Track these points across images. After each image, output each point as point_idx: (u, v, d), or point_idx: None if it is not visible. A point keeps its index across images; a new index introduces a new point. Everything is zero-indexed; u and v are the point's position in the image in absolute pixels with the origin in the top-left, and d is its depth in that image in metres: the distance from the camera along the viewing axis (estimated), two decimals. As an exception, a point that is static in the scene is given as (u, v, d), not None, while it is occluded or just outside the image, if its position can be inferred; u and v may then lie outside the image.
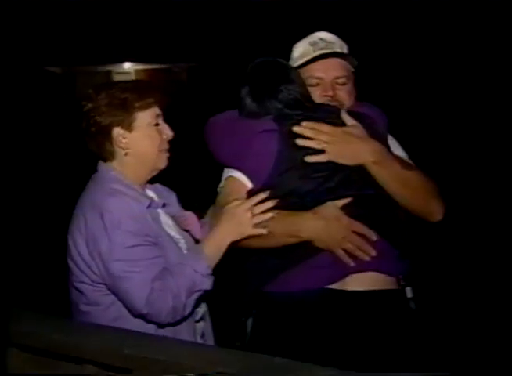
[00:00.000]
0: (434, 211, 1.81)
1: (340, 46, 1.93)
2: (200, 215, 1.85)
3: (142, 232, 1.58)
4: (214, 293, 1.71)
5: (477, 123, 10.10)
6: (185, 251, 1.72)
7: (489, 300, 4.10)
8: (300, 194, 1.71)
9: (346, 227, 1.67)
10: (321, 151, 1.71)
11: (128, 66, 21.25)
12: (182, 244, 1.73)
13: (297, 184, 1.71)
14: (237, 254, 1.74)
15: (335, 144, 1.70)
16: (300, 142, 1.71)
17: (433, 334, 2.19)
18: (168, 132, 1.71)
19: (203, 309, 1.74)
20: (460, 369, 3.05)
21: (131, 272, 1.54)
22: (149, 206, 1.65)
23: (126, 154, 1.66)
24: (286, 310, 1.71)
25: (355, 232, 1.68)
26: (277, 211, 1.68)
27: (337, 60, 1.89)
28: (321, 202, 1.70)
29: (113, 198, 1.59)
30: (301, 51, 1.93)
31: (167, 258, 1.62)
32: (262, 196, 1.68)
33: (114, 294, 1.60)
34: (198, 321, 1.73)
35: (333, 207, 1.69)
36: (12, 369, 1.54)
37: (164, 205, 1.76)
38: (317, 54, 1.88)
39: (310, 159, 1.71)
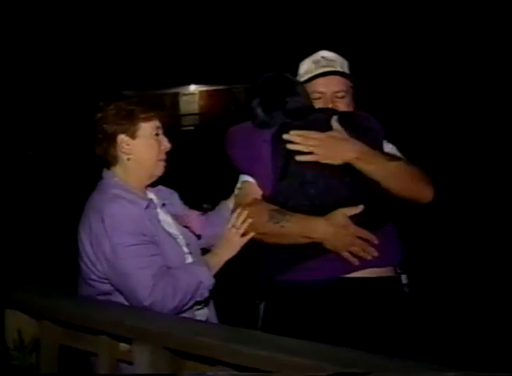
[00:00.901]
0: (423, 194, 1.88)
1: (340, 64, 2.04)
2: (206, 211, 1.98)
3: (138, 232, 1.68)
4: (223, 282, 1.82)
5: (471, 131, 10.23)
6: (184, 247, 1.82)
7: (476, 291, 4.18)
8: (308, 199, 1.81)
9: (352, 234, 1.78)
10: (310, 154, 1.81)
11: (193, 88, 21.89)
12: (180, 239, 1.83)
13: (301, 190, 1.81)
14: (251, 246, 1.86)
15: (321, 147, 1.81)
16: (290, 146, 1.82)
17: (424, 314, 2.26)
18: (166, 144, 1.83)
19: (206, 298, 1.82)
20: (447, 346, 3.09)
21: (134, 269, 1.63)
22: (147, 207, 1.75)
23: (128, 159, 1.77)
24: (294, 296, 1.81)
25: (359, 237, 1.78)
26: (291, 213, 1.79)
27: (337, 77, 2.00)
28: (329, 208, 1.80)
29: (113, 203, 1.69)
30: (306, 68, 2.05)
31: (165, 254, 1.72)
32: (244, 215, 1.81)
33: (118, 290, 1.69)
34: (201, 309, 1.82)
35: (342, 215, 1.79)
36: (45, 339, 1.72)
37: (163, 205, 1.86)
38: (319, 72, 2.00)
39: (299, 158, 1.81)
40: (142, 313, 1.56)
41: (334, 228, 1.77)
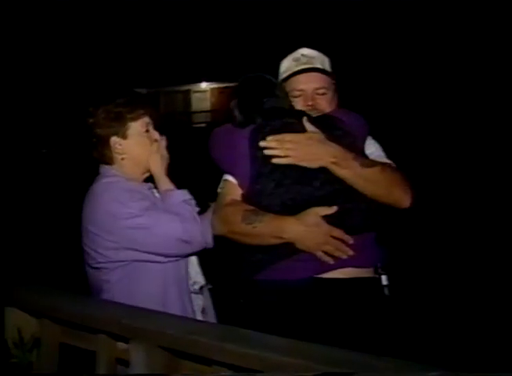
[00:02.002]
0: (399, 198, 1.85)
1: (320, 61, 2.03)
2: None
3: (146, 197, 1.80)
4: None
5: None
6: None
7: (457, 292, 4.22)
8: (281, 199, 1.80)
9: (325, 233, 1.76)
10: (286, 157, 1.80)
11: (204, 85, 21.95)
12: None
13: (275, 190, 1.80)
14: (234, 250, 1.88)
15: (297, 149, 1.79)
16: (267, 152, 1.81)
17: (404, 317, 2.25)
18: (158, 138, 1.89)
19: (201, 281, 1.90)
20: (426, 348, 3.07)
21: (157, 219, 1.76)
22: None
23: (122, 159, 1.85)
24: (269, 295, 1.82)
25: (334, 237, 1.76)
26: (264, 213, 1.79)
27: (317, 73, 1.99)
28: (301, 207, 1.79)
29: (114, 187, 1.80)
30: (286, 66, 2.05)
31: None
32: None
33: (148, 252, 1.78)
34: (197, 293, 1.89)
35: (314, 215, 1.77)
36: (45, 337, 1.75)
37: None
38: (298, 69, 2.00)
39: (276, 161, 1.80)
40: (138, 312, 1.57)
41: (305, 227, 1.75)
